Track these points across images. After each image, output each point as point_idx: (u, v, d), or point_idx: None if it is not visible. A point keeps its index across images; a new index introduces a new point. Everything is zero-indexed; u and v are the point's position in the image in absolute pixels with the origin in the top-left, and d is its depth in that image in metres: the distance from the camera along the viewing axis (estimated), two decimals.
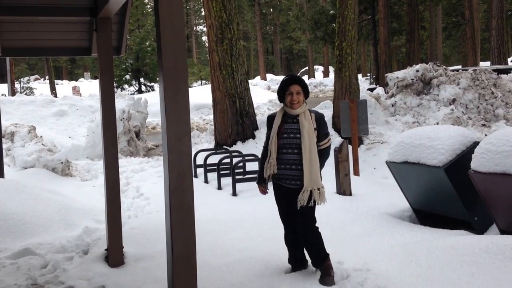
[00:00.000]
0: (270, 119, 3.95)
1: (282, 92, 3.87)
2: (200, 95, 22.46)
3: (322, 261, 3.77)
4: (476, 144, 4.80)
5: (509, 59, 32.04)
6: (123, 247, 4.79)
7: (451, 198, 4.88)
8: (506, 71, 14.21)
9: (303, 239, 3.82)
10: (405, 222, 5.22)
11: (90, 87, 32.03)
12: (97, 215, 6.60)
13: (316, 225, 3.84)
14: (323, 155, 3.87)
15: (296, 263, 3.99)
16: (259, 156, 8.57)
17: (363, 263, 3.87)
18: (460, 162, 4.77)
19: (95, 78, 48.22)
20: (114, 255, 4.68)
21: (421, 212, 5.47)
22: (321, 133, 3.83)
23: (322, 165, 3.90)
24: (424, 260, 3.70)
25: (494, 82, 11.24)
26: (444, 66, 12.15)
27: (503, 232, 4.33)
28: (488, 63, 25.64)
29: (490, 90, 10.95)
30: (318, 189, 3.71)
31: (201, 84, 40.40)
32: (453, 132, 5.07)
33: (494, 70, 12.35)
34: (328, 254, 3.80)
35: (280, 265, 4.11)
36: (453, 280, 3.33)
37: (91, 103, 16.00)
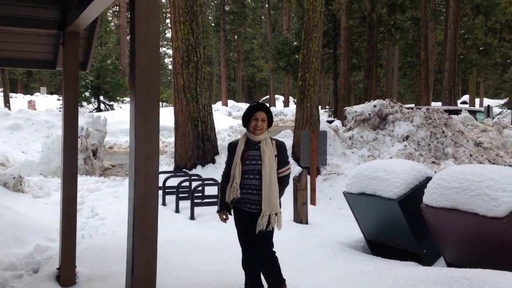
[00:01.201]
0: (232, 145, 4.03)
1: (248, 118, 3.96)
2: (161, 117, 22.14)
3: (278, 286, 3.83)
4: (428, 179, 5.04)
5: (459, 101, 33.74)
6: (75, 267, 4.68)
7: (403, 230, 5.07)
8: (456, 112, 14.98)
9: (261, 263, 3.87)
10: (358, 252, 5.36)
11: (45, 102, 31.16)
12: (49, 233, 6.41)
13: (273, 249, 3.91)
14: (282, 182, 3.96)
15: (253, 287, 4.02)
16: (219, 180, 8.65)
17: None
18: (413, 196, 4.99)
19: (51, 93, 46.95)
20: (66, 275, 4.55)
21: (374, 243, 5.64)
22: (282, 160, 3.94)
23: (282, 192, 4.00)
24: None
25: (445, 121, 11.82)
26: (400, 103, 12.69)
27: (450, 265, 4.53)
28: (439, 104, 26.86)
29: (441, 129, 11.49)
30: (276, 214, 3.81)
31: (162, 106, 40.16)
32: (408, 167, 5.30)
33: (445, 111, 12.98)
34: (284, 280, 3.87)
35: None
36: None
37: (47, 118, 15.62)
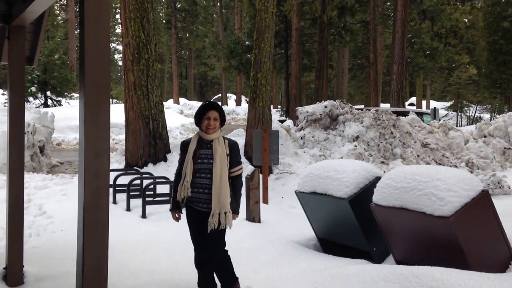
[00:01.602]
0: (185, 144, 4.01)
1: (200, 117, 3.96)
2: (111, 114, 21.58)
3: (231, 284, 3.84)
4: (378, 178, 5.19)
5: (406, 103, 34.96)
6: (23, 266, 4.51)
7: (353, 228, 5.19)
8: (404, 114, 15.51)
9: (213, 261, 3.88)
10: (310, 250, 5.45)
11: None
12: None
13: (226, 248, 3.92)
14: (237, 183, 3.98)
15: (205, 286, 4.02)
16: (171, 178, 8.56)
17: None
18: (363, 195, 5.12)
19: None
20: (13, 274, 4.41)
21: (325, 241, 5.75)
22: (234, 159, 3.95)
23: (239, 193, 4.02)
24: (328, 286, 3.89)
25: (393, 123, 12.22)
26: (350, 105, 13.00)
27: (398, 262, 4.68)
28: (388, 105, 27.71)
29: (390, 130, 11.87)
30: (225, 213, 3.80)
31: (112, 103, 39.12)
32: (358, 167, 5.44)
33: (393, 112, 13.42)
34: (237, 278, 3.89)
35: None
36: None
37: None
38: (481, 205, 4.21)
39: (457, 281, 3.37)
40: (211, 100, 4.20)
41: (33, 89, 26.75)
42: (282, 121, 20.37)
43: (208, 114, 3.90)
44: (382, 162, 10.92)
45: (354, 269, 4.11)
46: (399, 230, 4.57)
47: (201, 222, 3.86)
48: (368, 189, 5.13)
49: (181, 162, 3.99)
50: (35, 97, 27.55)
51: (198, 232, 3.93)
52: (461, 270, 3.64)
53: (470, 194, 4.16)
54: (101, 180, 2.80)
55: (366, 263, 4.66)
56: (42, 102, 27.98)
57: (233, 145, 4.00)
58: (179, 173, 4.00)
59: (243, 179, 4.44)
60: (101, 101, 2.81)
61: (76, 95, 32.27)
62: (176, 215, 4.01)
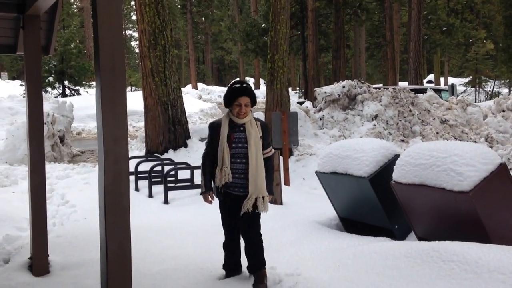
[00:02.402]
0: (214, 126, 3.85)
1: (230, 101, 3.79)
2: (130, 101, 21.86)
3: (259, 268, 3.82)
4: (397, 156, 5.16)
5: (424, 80, 34.44)
6: (48, 256, 4.60)
7: (374, 207, 5.19)
8: (422, 91, 15.28)
9: (248, 244, 3.83)
10: (332, 230, 5.47)
11: (7, 88, 30.09)
12: (19, 223, 6.28)
13: (260, 232, 3.88)
14: (269, 165, 3.88)
15: (231, 269, 4.03)
16: (192, 164, 8.62)
17: (295, 268, 4.03)
18: (383, 173, 5.10)
19: (13, 78, 45.34)
20: (39, 264, 4.45)
21: (347, 220, 5.76)
22: (265, 141, 3.84)
23: (272, 175, 3.93)
24: (351, 265, 3.92)
25: (412, 100, 12.06)
26: (368, 84, 12.85)
27: (420, 239, 4.67)
28: (406, 83, 27.33)
29: (408, 108, 11.72)
30: (263, 197, 3.72)
31: (131, 90, 39.40)
32: (376, 145, 5.40)
33: (411, 90, 13.24)
34: (265, 263, 3.87)
35: (214, 271, 4.16)
36: (376, 283, 3.56)
37: (10, 105, 15.15)
38: (500, 178, 4.18)
39: (477, 254, 3.37)
40: (245, 83, 3.95)
41: (51, 79, 26.98)
42: (300, 103, 20.30)
43: (239, 101, 3.73)
44: (402, 140, 10.82)
45: (376, 246, 4.12)
46: (420, 206, 4.55)
47: (236, 207, 3.80)
48: (387, 167, 5.11)
49: (210, 144, 3.87)
50: (53, 87, 27.82)
51: (231, 216, 3.86)
52: (482, 244, 3.63)
53: (488, 168, 4.12)
54: (121, 165, 2.80)
55: (388, 241, 4.66)
56: (60, 91, 28.25)
57: (265, 127, 3.88)
58: (207, 155, 3.89)
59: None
60: (117, 85, 2.78)
61: (94, 83, 32.51)
62: (210, 198, 3.89)
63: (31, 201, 4.54)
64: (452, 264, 3.38)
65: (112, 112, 2.78)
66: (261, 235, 3.87)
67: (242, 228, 3.84)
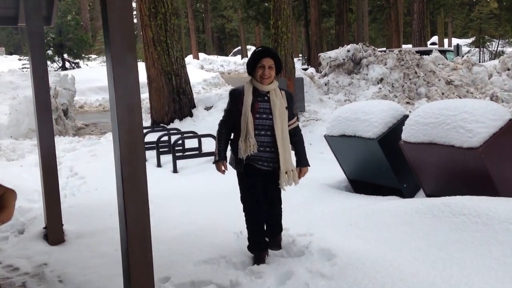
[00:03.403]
0: (236, 94, 3.58)
1: (253, 64, 3.52)
2: None
3: (277, 234, 3.86)
4: (406, 117, 5.15)
5: (428, 42, 33.98)
6: (63, 225, 4.67)
7: (383, 167, 5.22)
8: (427, 53, 15.10)
9: (273, 215, 3.79)
10: (342, 191, 5.52)
11: (6, 63, 29.79)
12: (29, 195, 6.35)
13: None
14: (298, 136, 3.70)
15: (261, 248, 3.70)
16: (198, 133, 8.63)
17: (307, 229, 4.08)
18: (392, 134, 5.11)
19: (11, 53, 44.91)
20: (54, 233, 4.54)
21: (356, 182, 5.80)
22: (290, 112, 3.62)
23: (303, 145, 3.75)
24: (363, 223, 3.97)
25: (417, 62, 11.93)
26: (373, 47, 12.70)
27: (429, 196, 4.71)
28: (409, 46, 26.98)
29: (413, 70, 11.61)
30: (292, 170, 3.59)
31: None
32: (385, 106, 5.40)
33: (416, 52, 13.07)
34: (282, 229, 3.89)
35: (228, 233, 4.23)
36: (388, 239, 3.62)
37: (11, 79, 15.02)
38: (509, 133, 4.18)
39: (488, 207, 3.41)
40: (269, 47, 3.88)
41: (50, 52, 26.71)
42: (304, 70, 20.13)
43: (262, 62, 3.46)
44: (407, 103, 10.77)
45: (386, 205, 4.17)
46: (429, 165, 4.58)
47: (263, 180, 3.63)
48: (396, 128, 5.11)
49: (229, 112, 3.63)
50: (53, 61, 27.55)
51: (257, 188, 3.63)
52: (491, 197, 3.67)
53: (497, 124, 4.13)
54: (135, 134, 2.79)
55: (398, 199, 4.71)
56: (60, 65, 28.03)
57: (290, 96, 3.63)
58: (225, 122, 3.66)
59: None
60: (127, 51, 2.74)
61: (94, 56, 32.18)
62: (223, 167, 3.67)
63: (43, 172, 4.57)
64: (463, 217, 3.42)
65: (124, 79, 2.75)
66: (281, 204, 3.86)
67: (269, 200, 3.74)
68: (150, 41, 10.86)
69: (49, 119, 4.59)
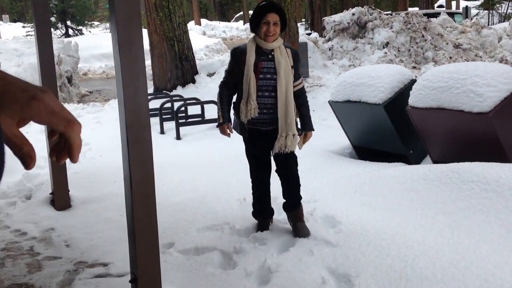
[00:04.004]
0: (238, 53, 3.37)
1: (257, 20, 3.28)
2: None
3: (297, 205, 3.50)
4: (413, 81, 5.06)
5: (435, 5, 33.23)
6: (69, 191, 4.70)
7: (389, 133, 5.16)
8: (435, 15, 14.77)
9: (285, 184, 3.49)
10: (346, 158, 5.49)
11: (10, 30, 29.58)
12: (36, 161, 6.36)
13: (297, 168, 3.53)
14: (303, 98, 3.48)
15: (265, 214, 3.62)
16: (201, 99, 8.56)
17: (311, 196, 4.06)
18: (399, 99, 5.03)
19: (15, 21, 44.59)
20: (60, 198, 4.59)
21: (360, 148, 5.76)
22: (296, 72, 3.40)
23: (308, 108, 3.52)
24: (368, 190, 3.95)
25: (424, 25, 11.68)
26: (379, 10, 12.43)
27: (436, 162, 4.67)
28: (416, 9, 26.41)
29: (420, 33, 11.38)
30: (293, 135, 3.34)
31: None
32: (392, 71, 5.30)
33: (424, 14, 12.79)
34: (300, 199, 3.52)
35: (231, 200, 4.23)
36: (394, 206, 3.60)
37: (16, 46, 14.85)
38: None
39: (498, 173, 3.36)
40: (274, 1, 3.46)
41: (53, 19, 26.53)
42: (308, 34, 19.80)
43: (267, 18, 3.22)
44: (414, 67, 10.62)
45: (392, 171, 4.14)
46: (436, 130, 4.52)
47: (267, 142, 3.41)
48: (403, 93, 5.03)
49: (230, 72, 3.43)
50: (56, 28, 27.39)
51: (264, 151, 3.46)
52: (502, 163, 3.62)
53: (509, 88, 4.04)
54: (140, 98, 2.79)
55: (404, 165, 4.68)
56: (63, 32, 27.83)
57: (295, 55, 3.41)
58: (226, 83, 3.45)
59: None
60: (132, 15, 2.69)
61: (96, 22, 31.81)
62: (228, 130, 3.46)
63: (49, 139, 4.56)
64: (472, 184, 3.38)
65: (129, 46, 2.71)
66: (297, 171, 3.51)
67: (277, 167, 3.47)
68: (152, 6, 10.65)
69: (53, 86, 4.59)
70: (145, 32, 12.15)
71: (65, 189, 4.65)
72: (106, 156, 6.47)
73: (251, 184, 3.63)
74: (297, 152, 3.52)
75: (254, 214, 3.65)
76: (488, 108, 3.92)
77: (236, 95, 3.49)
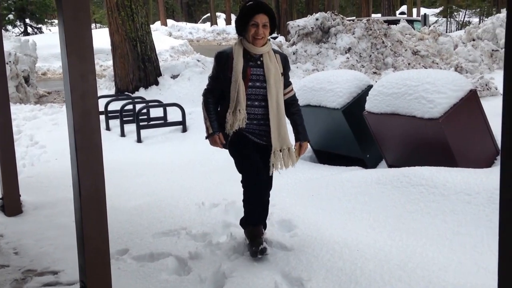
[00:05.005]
0: (223, 57, 3.09)
1: (244, 22, 3.03)
2: (96, 39, 20.98)
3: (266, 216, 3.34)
4: (370, 87, 5.16)
5: (397, 12, 34.09)
6: (20, 196, 4.56)
7: (347, 137, 5.24)
8: (395, 22, 15.12)
9: (266, 194, 3.26)
10: (306, 161, 5.53)
11: None
12: None
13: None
14: (296, 106, 3.26)
15: (261, 224, 3.29)
16: (163, 102, 8.47)
17: (269, 200, 4.07)
18: (356, 104, 5.11)
19: None
20: (11, 204, 4.44)
21: (320, 152, 5.82)
22: (286, 79, 3.17)
23: (302, 117, 3.27)
24: (324, 194, 4.00)
25: (385, 32, 11.93)
26: (342, 16, 12.62)
27: (390, 166, 4.77)
28: (379, 15, 27.01)
29: (381, 39, 11.62)
30: (288, 149, 3.12)
31: (95, 28, 37.87)
32: (350, 76, 5.39)
33: (385, 21, 13.06)
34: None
35: (190, 204, 4.20)
36: (349, 209, 3.66)
37: None
38: (469, 104, 4.25)
39: (445, 177, 3.48)
40: (262, 1, 3.14)
41: (11, 16, 25.70)
42: (274, 38, 19.90)
43: (256, 19, 2.97)
44: (374, 73, 10.82)
45: (348, 175, 4.21)
46: (391, 135, 4.63)
47: (260, 154, 3.15)
48: (360, 98, 5.12)
49: (215, 79, 3.15)
50: (14, 25, 26.54)
51: (255, 156, 3.12)
52: (449, 167, 3.74)
53: (458, 94, 4.17)
54: (89, 101, 2.71)
55: (360, 169, 4.76)
56: (22, 30, 27.00)
57: (285, 60, 3.17)
58: (211, 90, 3.16)
59: None
60: (81, 16, 2.60)
61: (57, 21, 31.06)
62: (219, 140, 3.14)
63: None
64: (421, 187, 3.49)
65: (77, 45, 2.63)
66: None
67: (265, 182, 3.18)
68: (114, 5, 10.47)
69: (3, 85, 4.43)
70: (106, 32, 11.92)
71: (16, 194, 4.50)
72: (61, 160, 6.29)
73: (242, 196, 3.22)
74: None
75: (247, 221, 3.25)
76: (438, 114, 4.05)
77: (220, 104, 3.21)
